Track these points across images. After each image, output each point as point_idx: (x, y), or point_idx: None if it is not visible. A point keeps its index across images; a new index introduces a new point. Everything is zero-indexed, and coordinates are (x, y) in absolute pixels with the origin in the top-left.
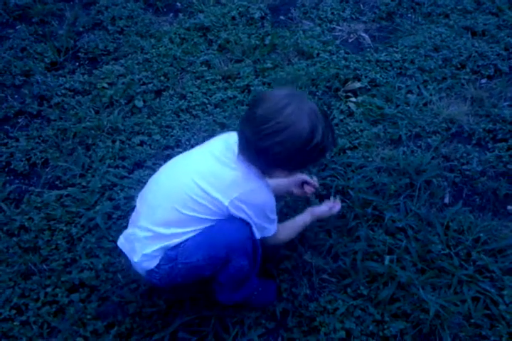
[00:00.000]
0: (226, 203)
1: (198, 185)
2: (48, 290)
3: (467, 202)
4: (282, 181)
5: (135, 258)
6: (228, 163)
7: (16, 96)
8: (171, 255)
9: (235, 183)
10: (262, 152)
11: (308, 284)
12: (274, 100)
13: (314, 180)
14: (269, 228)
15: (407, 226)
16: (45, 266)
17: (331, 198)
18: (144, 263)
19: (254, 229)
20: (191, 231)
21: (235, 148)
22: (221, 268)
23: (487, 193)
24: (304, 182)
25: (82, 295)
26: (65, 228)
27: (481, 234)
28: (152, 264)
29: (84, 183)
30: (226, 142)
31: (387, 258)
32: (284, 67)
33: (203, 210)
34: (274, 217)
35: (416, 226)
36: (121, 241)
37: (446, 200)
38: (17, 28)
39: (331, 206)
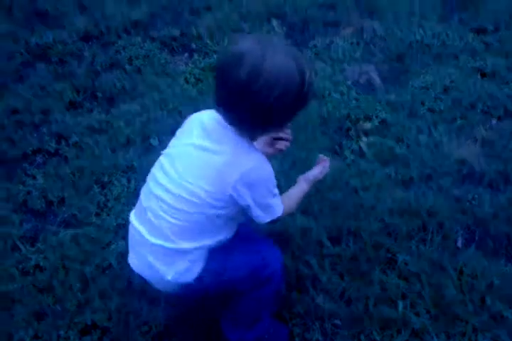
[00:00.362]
0: (229, 190)
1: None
2: (61, 332)
3: (480, 246)
4: (258, 145)
5: (168, 277)
6: (214, 146)
7: (35, 134)
8: (216, 268)
9: (230, 165)
10: (264, 114)
11: (321, 329)
12: (248, 58)
13: (287, 132)
14: (274, 205)
15: (421, 270)
16: (58, 307)
17: (319, 156)
18: (179, 279)
19: (259, 212)
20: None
21: (214, 125)
22: (256, 288)
23: (499, 237)
24: (274, 139)
25: (94, 337)
26: (79, 268)
27: (495, 279)
28: (189, 278)
29: (99, 222)
30: (201, 124)
31: (401, 303)
32: None
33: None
34: (276, 190)
35: (429, 271)
36: (135, 263)
37: (459, 244)
38: (37, 67)
39: (321, 166)
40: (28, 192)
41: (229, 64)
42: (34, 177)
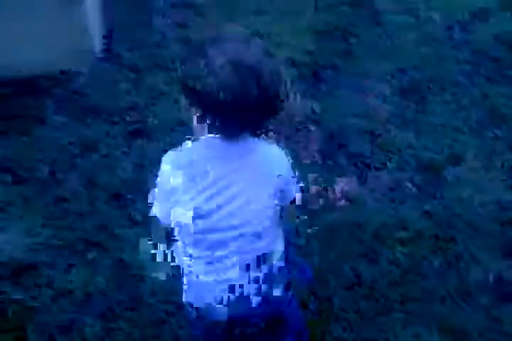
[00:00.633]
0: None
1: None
2: None
3: None
4: None
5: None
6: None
7: (79, 223)
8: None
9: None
10: (276, 103)
11: None
12: (241, 60)
13: None
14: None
15: None
16: None
17: None
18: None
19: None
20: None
21: (214, 150)
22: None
23: None
24: None
25: None
26: None
27: None
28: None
29: (134, 317)
30: (202, 159)
31: None
32: (331, 212)
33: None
34: None
35: None
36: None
37: None
38: (87, 158)
39: None
40: (70, 282)
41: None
42: (76, 268)
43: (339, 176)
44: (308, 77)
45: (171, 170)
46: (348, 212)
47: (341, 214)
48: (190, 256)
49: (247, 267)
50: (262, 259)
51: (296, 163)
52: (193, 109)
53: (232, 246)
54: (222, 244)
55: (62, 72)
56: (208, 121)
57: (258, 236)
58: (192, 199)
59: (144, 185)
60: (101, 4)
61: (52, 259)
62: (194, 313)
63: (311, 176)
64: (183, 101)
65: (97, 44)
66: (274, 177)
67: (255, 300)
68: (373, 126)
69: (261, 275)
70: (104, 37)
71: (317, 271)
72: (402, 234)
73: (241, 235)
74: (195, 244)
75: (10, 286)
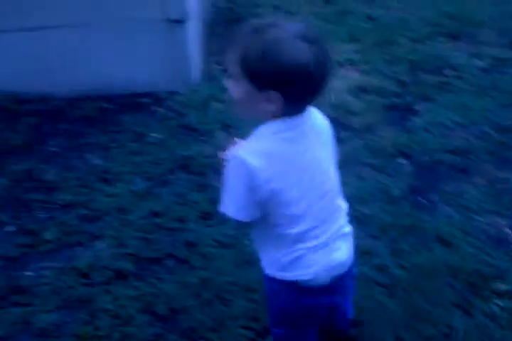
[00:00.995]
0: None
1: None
2: None
3: None
4: None
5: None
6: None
7: (168, 238)
8: None
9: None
10: None
11: None
12: (312, 34)
13: None
14: None
15: None
16: None
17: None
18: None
19: None
20: None
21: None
22: None
23: None
24: None
25: None
26: None
27: None
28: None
29: (215, 339)
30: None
31: None
32: (421, 253)
33: None
34: None
35: None
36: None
37: None
38: (179, 175)
39: None
40: (155, 295)
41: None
42: (162, 282)
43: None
44: (400, 108)
45: (259, 163)
46: (440, 253)
47: (432, 255)
48: (297, 233)
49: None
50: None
51: (386, 197)
52: (260, 93)
53: (328, 209)
54: (321, 211)
55: (162, 92)
56: (284, 99)
57: (338, 194)
58: (291, 181)
59: None
60: (201, 28)
61: (141, 271)
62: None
63: (400, 212)
64: (243, 88)
65: (196, 66)
66: (330, 138)
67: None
68: (468, 164)
69: (347, 230)
70: (203, 60)
71: (402, 316)
72: (500, 286)
73: (331, 197)
74: (298, 220)
75: (102, 294)
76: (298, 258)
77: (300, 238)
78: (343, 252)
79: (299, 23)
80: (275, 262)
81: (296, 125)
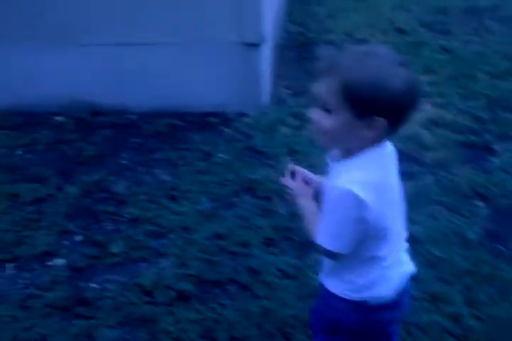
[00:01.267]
0: None
1: None
2: None
3: None
4: None
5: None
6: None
7: (231, 262)
8: None
9: None
10: None
11: None
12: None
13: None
14: None
15: None
16: None
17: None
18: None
19: None
20: None
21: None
22: None
23: None
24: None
25: None
26: None
27: None
28: None
29: None
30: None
31: None
32: (499, 304)
33: None
34: None
35: None
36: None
37: None
38: (244, 198)
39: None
40: (216, 321)
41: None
42: (223, 308)
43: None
44: (477, 146)
45: (370, 197)
46: None
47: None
48: (383, 255)
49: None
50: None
51: (460, 240)
52: (361, 121)
53: (403, 227)
54: (402, 231)
55: (231, 113)
56: (388, 125)
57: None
58: (389, 211)
59: (295, 235)
60: (273, 52)
61: (203, 294)
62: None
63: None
64: (341, 117)
65: (266, 89)
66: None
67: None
68: None
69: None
70: (273, 83)
71: None
72: None
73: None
74: (386, 243)
75: (165, 315)
76: (377, 278)
77: (383, 258)
78: (408, 264)
79: (389, 50)
80: (350, 284)
81: (385, 151)
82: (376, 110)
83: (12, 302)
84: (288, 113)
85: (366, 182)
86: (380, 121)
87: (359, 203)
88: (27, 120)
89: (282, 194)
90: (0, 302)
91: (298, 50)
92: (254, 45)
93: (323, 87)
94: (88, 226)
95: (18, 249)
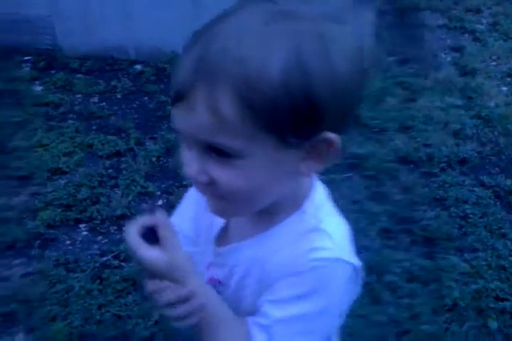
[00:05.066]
0: None
1: None
2: None
3: None
4: None
5: None
6: None
7: None
8: None
9: None
10: None
11: None
12: None
13: None
14: None
15: None
16: None
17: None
18: None
19: None
20: None
21: None
22: None
23: None
24: None
25: None
26: None
27: None
28: None
29: None
30: None
31: None
32: None
33: None
34: None
35: None
36: None
37: None
38: (351, 177)
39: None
40: None
41: None
42: None
43: None
44: None
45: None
46: None
47: None
48: None
49: None
50: None
51: None
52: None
53: None
54: None
55: None
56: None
57: None
58: None
59: (421, 231)
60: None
61: None
62: None
63: None
64: (260, 155)
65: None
66: None
67: None
68: None
69: None
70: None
71: None
72: None
73: None
74: None
75: None
76: None
77: None
78: None
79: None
80: None
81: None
82: (323, 118)
83: (86, 272)
84: (393, 82)
85: (349, 240)
86: (334, 138)
87: (360, 277)
88: (104, 65)
89: (392, 174)
90: (73, 269)
91: (400, 16)
92: None
93: (200, 116)
94: (170, 189)
95: (91, 208)
